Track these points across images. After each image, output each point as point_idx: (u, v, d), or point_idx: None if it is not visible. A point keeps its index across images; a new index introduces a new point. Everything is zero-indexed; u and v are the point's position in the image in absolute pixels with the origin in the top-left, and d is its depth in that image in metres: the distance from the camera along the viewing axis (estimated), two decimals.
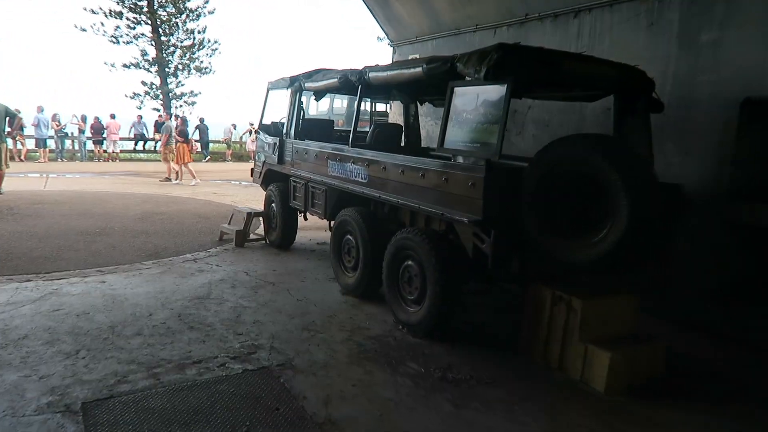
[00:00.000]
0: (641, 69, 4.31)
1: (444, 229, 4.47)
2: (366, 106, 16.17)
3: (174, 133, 13.89)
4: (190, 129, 23.48)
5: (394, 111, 9.70)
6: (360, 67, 5.31)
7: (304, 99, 7.06)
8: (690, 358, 4.21)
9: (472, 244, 3.74)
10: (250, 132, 23.69)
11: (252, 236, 7.47)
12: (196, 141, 22.73)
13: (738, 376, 4.01)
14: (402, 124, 7.46)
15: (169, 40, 25.61)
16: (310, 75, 6.42)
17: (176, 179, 13.93)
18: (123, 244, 6.89)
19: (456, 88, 3.88)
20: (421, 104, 7.36)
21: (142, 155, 22.14)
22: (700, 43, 4.86)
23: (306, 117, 6.99)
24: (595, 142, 3.27)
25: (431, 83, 5.51)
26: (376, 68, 4.86)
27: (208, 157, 22.79)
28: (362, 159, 5.04)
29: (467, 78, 3.73)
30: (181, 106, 26.40)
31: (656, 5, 5.19)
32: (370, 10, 9.17)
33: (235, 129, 24.12)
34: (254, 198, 11.54)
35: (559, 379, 3.74)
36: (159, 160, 16.16)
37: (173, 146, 13.81)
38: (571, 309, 3.80)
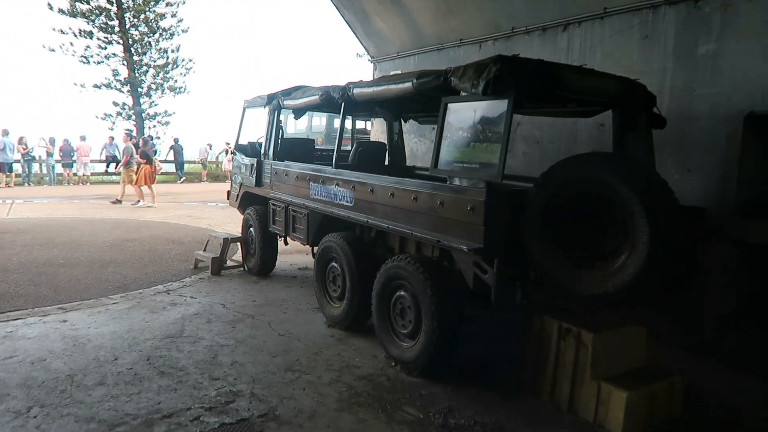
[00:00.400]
0: (642, 83, 4.08)
1: (438, 256, 4.15)
2: (346, 124, 16.03)
3: (136, 155, 13.44)
4: (164, 149, 23.04)
5: (375, 129, 9.41)
6: (341, 83, 5.01)
7: (282, 117, 6.73)
8: (706, 391, 3.91)
9: (472, 275, 3.41)
10: (226, 152, 23.24)
11: (229, 263, 7.04)
12: (162, 162, 22.16)
13: (759, 413, 3.72)
14: (385, 142, 7.17)
15: (141, 60, 25.07)
16: (288, 92, 6.09)
17: (150, 202, 13.40)
18: (89, 276, 6.40)
19: (450, 104, 3.58)
20: (405, 121, 7.07)
21: (114, 178, 21.42)
22: (697, 56, 4.68)
23: (285, 136, 6.63)
24: (611, 162, 2.98)
25: (416, 99, 5.26)
26: (361, 84, 4.55)
27: (183, 178, 22.21)
28: (347, 181, 4.70)
29: (463, 93, 3.43)
30: (154, 126, 25.79)
31: (650, 17, 5.01)
32: (349, 26, 8.91)
33: (210, 149, 23.60)
34: (231, 220, 11.09)
35: (570, 422, 3.41)
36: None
37: (134, 168, 13.35)
38: (581, 343, 3.49)
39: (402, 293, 4.07)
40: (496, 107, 3.21)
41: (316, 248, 5.48)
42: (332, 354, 4.31)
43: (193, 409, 3.30)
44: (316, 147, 7.66)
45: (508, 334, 4.70)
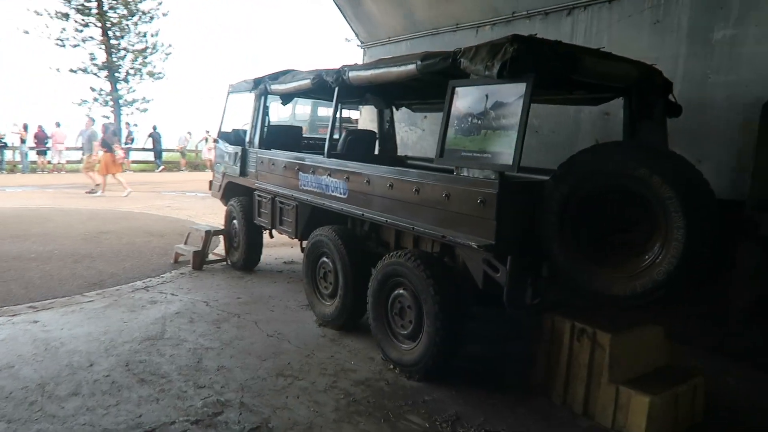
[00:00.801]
0: (658, 68, 3.84)
1: (439, 252, 3.88)
2: (328, 112, 15.59)
3: (95, 142, 12.87)
4: (142, 137, 22.38)
5: (364, 117, 9.08)
6: (333, 67, 4.68)
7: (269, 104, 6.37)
8: (727, 392, 3.72)
9: (482, 273, 3.14)
10: (206, 140, 22.67)
11: (211, 257, 6.68)
12: (140, 150, 21.55)
13: None
14: (375, 130, 6.86)
15: (119, 44, 24.21)
16: (276, 76, 5.73)
17: (101, 191, 12.79)
18: (63, 271, 5.99)
19: (458, 88, 3.29)
20: (397, 109, 6.75)
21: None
22: (713, 42, 4.45)
23: (271, 124, 6.28)
24: (641, 152, 2.72)
25: (414, 85, 4.95)
26: (358, 67, 4.22)
27: (162, 166, 21.61)
28: (341, 171, 4.39)
29: (474, 76, 3.14)
30: (132, 113, 25.01)
31: (662, 1, 4.76)
32: (338, 8, 8.53)
33: (190, 137, 22.98)
34: (212, 211, 10.70)
35: (586, 427, 3.19)
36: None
37: (96, 156, 12.76)
38: (597, 344, 3.26)
39: (401, 291, 3.80)
40: (512, 91, 2.93)
41: (305, 242, 5.19)
42: (326, 356, 4.03)
43: (178, 423, 2.99)
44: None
45: (512, 332, 4.47)
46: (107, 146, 12.83)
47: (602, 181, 2.78)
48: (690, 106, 4.51)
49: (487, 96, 3.08)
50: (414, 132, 7.78)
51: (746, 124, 4.20)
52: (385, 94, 6.34)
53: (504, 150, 2.92)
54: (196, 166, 22.97)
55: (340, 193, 4.39)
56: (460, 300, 3.56)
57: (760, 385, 3.89)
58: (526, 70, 2.87)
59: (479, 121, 3.11)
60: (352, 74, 4.21)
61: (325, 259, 4.70)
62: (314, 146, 7.10)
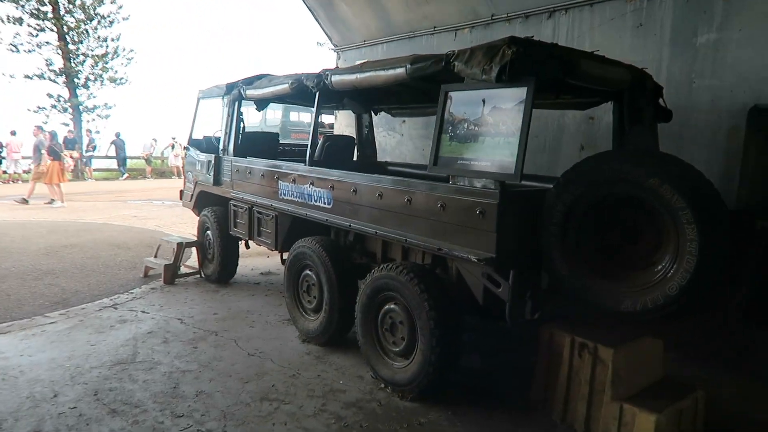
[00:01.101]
0: (648, 72, 3.77)
1: (431, 263, 3.71)
2: (300, 116, 15.28)
3: (43, 151, 12.31)
4: (105, 144, 21.60)
5: (340, 122, 8.88)
6: (312, 71, 4.48)
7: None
8: (723, 402, 3.66)
9: (482, 288, 2.99)
10: (173, 146, 22.07)
11: (183, 269, 6.36)
12: (103, 158, 20.82)
13: None
14: (353, 135, 6.67)
15: (78, 49, 23.32)
16: (250, 81, 5.49)
17: (61, 201, 12.21)
18: (21, 289, 5.59)
19: (452, 93, 3.13)
20: (376, 114, 6.57)
21: None
22: (697, 46, 4.43)
23: (246, 130, 6.02)
24: (650, 160, 2.61)
25: (391, 89, 4.80)
26: (341, 71, 4.03)
27: (126, 174, 20.90)
28: (324, 179, 4.18)
29: (469, 80, 2.99)
30: (93, 119, 24.11)
31: (644, 4, 4.73)
32: (310, 11, 8.31)
33: (155, 143, 22.32)
34: (181, 220, 10.32)
35: None
36: (69, 180, 14.43)
37: (45, 164, 12.20)
38: (598, 359, 3.14)
39: (392, 306, 3.62)
40: (511, 96, 2.79)
41: (285, 254, 4.96)
42: (312, 376, 3.81)
43: None
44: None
45: (508, 343, 4.34)
46: (55, 155, 12.26)
47: (608, 190, 2.66)
48: (675, 110, 4.48)
49: (484, 101, 2.93)
50: (392, 137, 7.62)
51: (732, 129, 4.18)
52: (363, 98, 6.16)
53: (505, 158, 2.77)
54: (162, 173, 22.32)
55: (324, 203, 4.19)
56: (456, 314, 3.40)
57: (756, 394, 3.84)
58: (525, 73, 2.73)
59: (476, 128, 2.96)
60: (335, 78, 4.02)
61: (308, 272, 4.48)
62: (290, 153, 6.87)
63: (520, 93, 2.74)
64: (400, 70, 3.39)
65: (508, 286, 2.82)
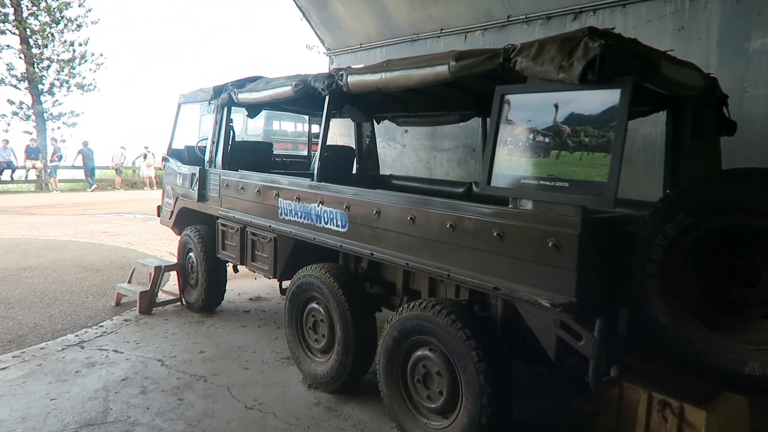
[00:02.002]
0: (714, 77, 3.28)
1: (469, 299, 3.12)
2: (281, 125, 14.58)
3: None
4: (72, 153, 20.44)
5: (332, 131, 8.24)
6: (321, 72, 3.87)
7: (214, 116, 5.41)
8: None
9: (554, 339, 2.39)
10: (145, 156, 21.07)
11: (161, 296, 5.62)
12: (69, 168, 19.73)
13: None
14: (352, 146, 6.08)
15: (42, 53, 22.16)
16: (242, 84, 4.83)
17: None
18: None
19: (509, 96, 2.56)
20: (378, 122, 5.99)
21: (10, 186, 18.67)
22: (750, 51, 3.97)
23: (236, 140, 5.36)
24: None
25: (396, 95, 4.24)
26: (360, 70, 3.41)
27: (95, 185, 19.80)
28: (338, 198, 3.55)
29: (532, 80, 2.42)
30: (59, 127, 22.89)
31: (687, 5, 4.27)
32: (301, 12, 7.70)
33: (125, 152, 21.21)
34: (156, 236, 9.52)
35: None
36: (31, 191, 13.43)
37: None
38: (685, 422, 2.58)
39: (426, 353, 2.99)
40: (598, 100, 2.22)
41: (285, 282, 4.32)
42: None
43: None
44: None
45: (541, 383, 3.76)
46: None
47: (725, 219, 2.11)
48: None
49: (556, 106, 2.36)
50: (393, 148, 7.04)
51: None
52: (365, 105, 5.58)
53: (590, 177, 2.20)
54: (133, 184, 21.25)
55: (338, 226, 3.55)
56: (509, 364, 2.80)
57: None
58: (619, 72, 2.17)
59: (547, 139, 2.38)
60: (352, 79, 3.40)
61: (314, 305, 3.83)
62: (281, 165, 6.22)
63: (611, 96, 2.18)
64: (441, 69, 2.79)
65: (593, 340, 2.23)
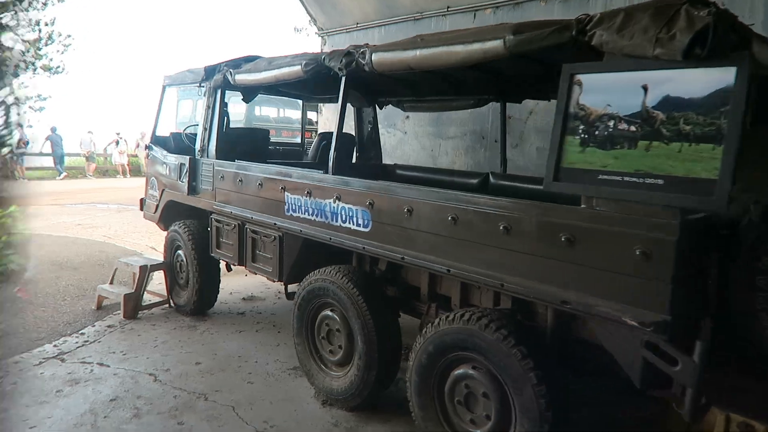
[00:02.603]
0: None
1: (512, 307, 2.75)
2: (282, 112, 13.89)
3: None
4: (39, 139, 19.41)
5: (325, 117, 7.78)
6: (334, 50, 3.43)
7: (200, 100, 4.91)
8: None
9: (640, 363, 2.04)
10: (117, 143, 20.16)
11: (147, 297, 5.13)
12: (37, 155, 18.76)
13: None
14: (353, 133, 5.65)
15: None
16: (237, 64, 4.36)
17: None
18: None
19: (581, 77, 2.16)
20: (381, 107, 5.55)
21: None
22: None
23: (230, 126, 4.87)
24: None
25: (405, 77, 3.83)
26: (386, 47, 2.97)
27: (64, 173, 18.85)
28: (360, 194, 3.13)
29: (611, 56, 2.04)
30: (25, 112, 21.72)
31: None
32: None
33: (92, 136, 20.16)
34: (134, 228, 8.95)
35: None
36: None
37: None
38: None
39: (468, 371, 2.62)
40: (704, 80, 1.85)
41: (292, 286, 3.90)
42: None
43: None
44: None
45: (581, 391, 3.42)
46: None
47: None
48: None
49: (645, 88, 1.98)
50: (393, 135, 6.60)
51: None
52: (368, 89, 5.14)
53: (697, 174, 1.83)
54: (105, 171, 20.35)
55: (358, 225, 3.13)
56: (567, 385, 2.45)
57: None
58: (732, 46, 1.80)
59: (633, 128, 2.00)
60: (377, 57, 2.96)
61: (328, 312, 3.43)
62: (276, 153, 5.76)
63: (722, 76, 1.81)
64: (495, 44, 2.37)
65: (692, 366, 1.88)
